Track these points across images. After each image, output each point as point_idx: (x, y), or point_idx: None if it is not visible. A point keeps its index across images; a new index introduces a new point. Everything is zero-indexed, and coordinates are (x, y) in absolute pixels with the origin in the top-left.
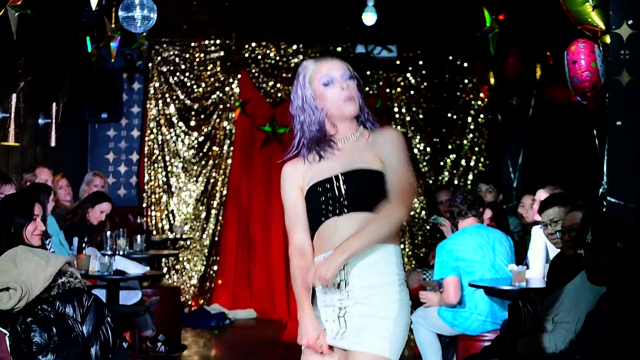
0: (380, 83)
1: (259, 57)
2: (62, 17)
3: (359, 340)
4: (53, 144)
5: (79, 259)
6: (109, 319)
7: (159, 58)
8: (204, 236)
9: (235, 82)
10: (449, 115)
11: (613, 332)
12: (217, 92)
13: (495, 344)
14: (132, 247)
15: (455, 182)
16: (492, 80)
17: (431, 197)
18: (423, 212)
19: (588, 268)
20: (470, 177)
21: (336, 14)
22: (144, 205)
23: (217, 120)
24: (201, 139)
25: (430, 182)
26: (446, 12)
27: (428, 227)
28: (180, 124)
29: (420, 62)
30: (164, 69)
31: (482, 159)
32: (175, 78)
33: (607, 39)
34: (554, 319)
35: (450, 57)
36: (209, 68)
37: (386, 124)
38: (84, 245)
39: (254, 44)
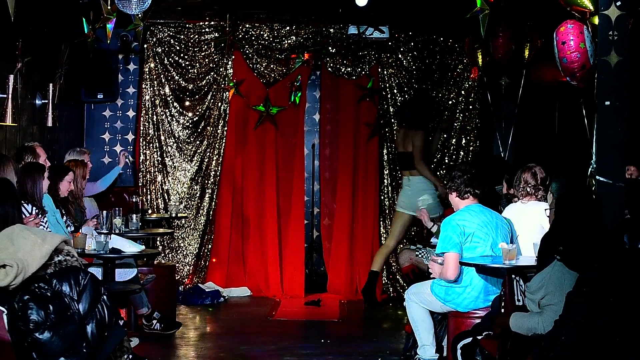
0: (372, 64)
1: (253, 38)
2: None
3: None
4: (50, 124)
5: (76, 238)
6: (105, 297)
7: (154, 39)
8: (199, 215)
9: (230, 62)
10: (440, 95)
11: (593, 309)
12: (212, 73)
13: (485, 320)
14: (128, 226)
15: (447, 161)
16: (480, 61)
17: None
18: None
19: (564, 261)
20: (461, 155)
21: None
22: (140, 184)
23: (212, 100)
24: (196, 119)
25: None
26: None
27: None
28: (175, 104)
29: (412, 43)
30: (159, 50)
31: (472, 139)
32: (170, 59)
33: (596, 20)
34: (539, 303)
35: (441, 38)
36: (203, 49)
37: (378, 104)
38: (65, 219)
39: (247, 25)
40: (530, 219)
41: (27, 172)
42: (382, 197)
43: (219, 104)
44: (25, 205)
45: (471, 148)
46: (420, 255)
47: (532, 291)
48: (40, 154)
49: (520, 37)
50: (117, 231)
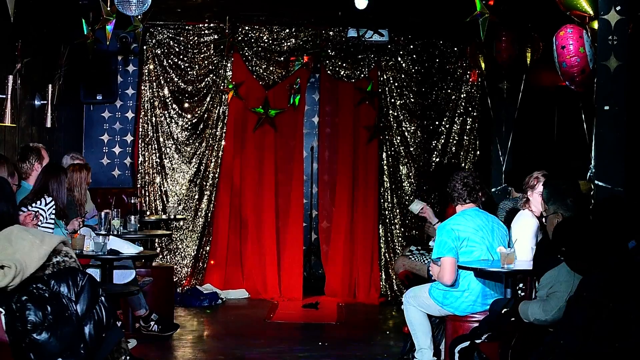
0: (372, 67)
1: (252, 40)
2: None
3: None
4: (49, 125)
5: (74, 239)
6: (102, 298)
7: (154, 41)
8: (197, 217)
9: (229, 64)
10: (439, 99)
11: (593, 314)
12: (211, 75)
13: (483, 324)
14: (126, 227)
15: (446, 162)
16: (482, 65)
17: (423, 179)
18: (414, 195)
19: (567, 262)
20: (461, 159)
21: None
22: (138, 185)
23: (211, 102)
24: (194, 120)
25: (421, 164)
26: None
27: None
28: (174, 106)
29: (411, 47)
30: (159, 52)
31: (472, 142)
32: (170, 60)
33: (595, 25)
34: (548, 291)
35: (441, 42)
36: (202, 51)
37: (377, 107)
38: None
39: (247, 27)
40: (529, 225)
41: (53, 173)
42: (381, 200)
43: (218, 106)
44: (24, 208)
45: (470, 152)
46: (412, 259)
47: (542, 285)
48: (44, 156)
49: (521, 41)
50: (115, 232)
